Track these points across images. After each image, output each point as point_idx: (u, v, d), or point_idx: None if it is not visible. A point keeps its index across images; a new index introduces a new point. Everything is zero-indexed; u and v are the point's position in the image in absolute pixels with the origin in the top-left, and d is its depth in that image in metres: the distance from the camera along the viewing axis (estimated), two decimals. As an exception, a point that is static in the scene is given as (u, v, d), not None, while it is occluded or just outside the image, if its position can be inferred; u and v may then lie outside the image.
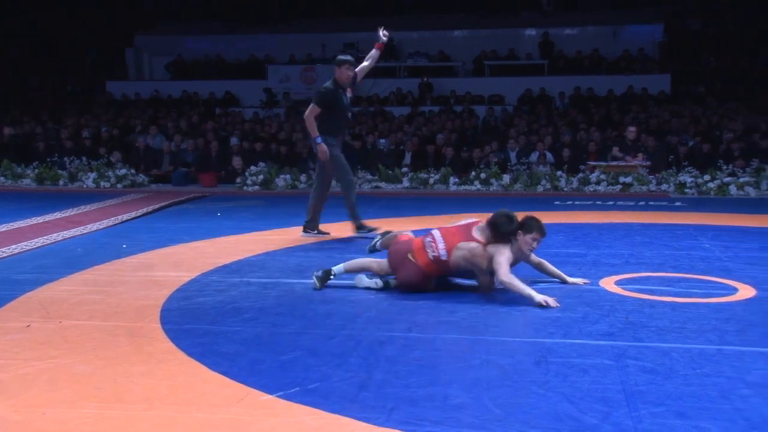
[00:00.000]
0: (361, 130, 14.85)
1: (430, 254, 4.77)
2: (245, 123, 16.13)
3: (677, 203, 9.92)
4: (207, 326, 4.14)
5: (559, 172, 11.72)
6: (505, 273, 4.53)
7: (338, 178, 7.05)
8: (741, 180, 10.91)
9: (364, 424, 2.80)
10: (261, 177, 12.22)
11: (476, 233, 4.75)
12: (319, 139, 6.79)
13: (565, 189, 11.46)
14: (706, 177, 11.03)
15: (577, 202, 10.05)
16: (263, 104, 17.75)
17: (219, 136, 14.67)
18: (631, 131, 12.32)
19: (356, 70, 7.07)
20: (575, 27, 19.21)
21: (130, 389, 3.19)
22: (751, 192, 10.75)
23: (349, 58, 7.01)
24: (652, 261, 5.82)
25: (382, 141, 13.98)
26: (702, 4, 18.98)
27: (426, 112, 16.39)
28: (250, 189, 12.10)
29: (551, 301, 4.38)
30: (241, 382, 3.24)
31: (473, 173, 11.94)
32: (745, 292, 4.78)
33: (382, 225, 7.84)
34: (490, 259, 4.65)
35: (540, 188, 11.52)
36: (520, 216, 4.79)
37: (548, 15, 19.39)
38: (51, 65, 20.47)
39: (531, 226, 4.70)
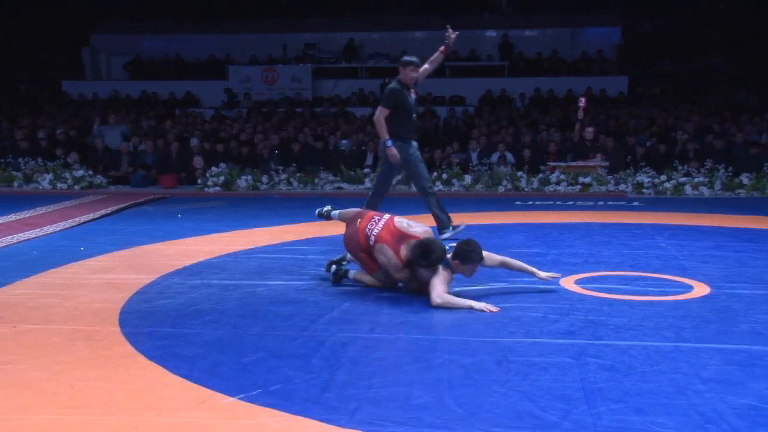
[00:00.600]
0: (323, 130, 14.82)
1: (367, 227, 4.90)
2: (206, 123, 15.97)
3: (635, 203, 10.09)
4: (167, 329, 4.10)
5: (519, 173, 11.84)
6: (438, 295, 4.46)
7: (414, 183, 6.85)
8: (696, 180, 11.15)
9: (327, 426, 2.79)
10: (222, 178, 12.11)
11: (404, 249, 4.71)
12: (389, 142, 6.50)
13: (526, 189, 11.58)
14: (663, 177, 11.24)
15: (537, 202, 10.16)
16: (224, 105, 17.60)
17: (179, 136, 14.50)
18: (589, 132, 12.49)
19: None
20: (534, 29, 19.42)
21: (87, 394, 3.14)
22: (705, 192, 10.98)
23: (414, 59, 6.62)
24: (610, 260, 5.92)
25: (344, 142, 13.97)
26: (657, 7, 19.33)
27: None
28: (211, 190, 11.98)
29: (491, 308, 4.32)
30: (203, 385, 3.21)
31: (435, 174, 11.99)
32: (700, 289, 4.88)
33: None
34: (410, 279, 4.73)
35: (501, 188, 11.62)
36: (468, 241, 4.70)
37: (508, 17, 19.57)
38: (4, 64, 20.00)
39: (470, 258, 4.57)
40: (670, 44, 18.63)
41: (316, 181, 12.29)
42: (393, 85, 6.60)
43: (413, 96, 6.63)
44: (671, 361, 3.46)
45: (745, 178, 11.11)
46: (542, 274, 4.87)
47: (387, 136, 6.51)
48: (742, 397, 3.01)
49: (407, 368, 3.43)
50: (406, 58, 6.66)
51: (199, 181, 12.30)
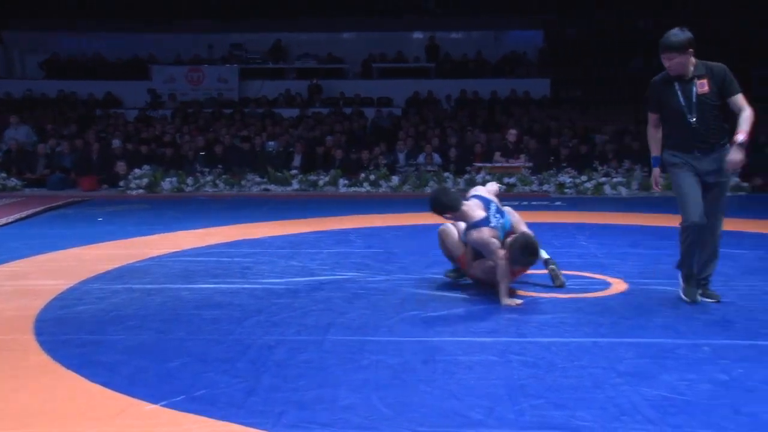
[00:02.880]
0: (250, 132, 14.67)
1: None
2: (128, 124, 15.59)
3: (557, 203, 10.35)
4: (86, 336, 3.98)
5: (446, 173, 11.98)
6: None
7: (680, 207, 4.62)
8: (614, 180, 11.52)
9: (252, 430, 2.77)
10: (145, 180, 11.84)
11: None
12: (654, 162, 4.79)
13: (453, 190, 11.71)
14: (584, 177, 11.57)
15: (463, 203, 10.27)
16: (148, 105, 17.21)
17: (100, 137, 14.12)
18: (512, 134, 12.73)
19: None
20: (460, 31, 19.69)
21: (1, 408, 3.02)
22: (623, 191, 11.36)
23: (667, 39, 4.43)
24: (533, 259, 6.04)
25: (271, 143, 13.86)
26: (579, 13, 19.84)
27: (315, 113, 16.37)
28: (134, 193, 11.70)
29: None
30: (123, 393, 3.14)
31: (362, 175, 12.03)
32: (618, 286, 5.05)
33: (274, 227, 7.78)
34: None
35: (428, 189, 11.73)
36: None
37: (432, 15, 19.74)
38: None
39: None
40: (590, 49, 19.13)
41: (242, 182, 12.15)
42: (656, 77, 4.71)
43: (697, 90, 4.47)
44: (590, 356, 3.57)
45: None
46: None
47: (654, 152, 4.77)
48: (655, 388, 3.13)
49: (334, 370, 3.43)
50: (662, 39, 4.49)
51: (121, 183, 11.99)
